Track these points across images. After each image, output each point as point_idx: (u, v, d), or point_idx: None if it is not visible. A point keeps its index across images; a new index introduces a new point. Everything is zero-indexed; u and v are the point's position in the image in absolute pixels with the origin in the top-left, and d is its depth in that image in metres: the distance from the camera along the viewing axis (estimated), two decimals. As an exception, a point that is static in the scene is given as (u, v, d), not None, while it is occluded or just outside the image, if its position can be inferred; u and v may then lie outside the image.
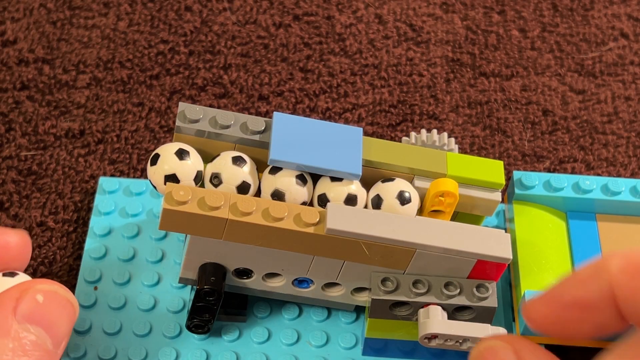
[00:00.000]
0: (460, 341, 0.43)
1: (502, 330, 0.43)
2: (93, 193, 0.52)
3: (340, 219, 0.41)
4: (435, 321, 0.42)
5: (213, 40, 0.60)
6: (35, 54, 0.58)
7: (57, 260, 0.50)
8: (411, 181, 0.44)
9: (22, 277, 0.40)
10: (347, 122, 0.56)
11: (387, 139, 0.53)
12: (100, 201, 0.50)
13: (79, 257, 0.50)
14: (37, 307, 0.37)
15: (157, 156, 0.42)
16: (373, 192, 0.43)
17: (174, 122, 0.55)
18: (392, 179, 0.43)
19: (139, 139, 0.55)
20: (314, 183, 0.43)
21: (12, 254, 0.41)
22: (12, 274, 0.40)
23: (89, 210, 0.51)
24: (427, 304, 0.43)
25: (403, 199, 0.43)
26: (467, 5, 0.63)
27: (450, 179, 0.44)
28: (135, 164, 0.54)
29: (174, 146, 0.42)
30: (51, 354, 0.37)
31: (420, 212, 0.44)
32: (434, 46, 0.60)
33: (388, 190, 0.43)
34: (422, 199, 0.44)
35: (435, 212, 0.44)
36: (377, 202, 0.43)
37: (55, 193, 0.52)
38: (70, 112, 0.56)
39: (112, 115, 0.56)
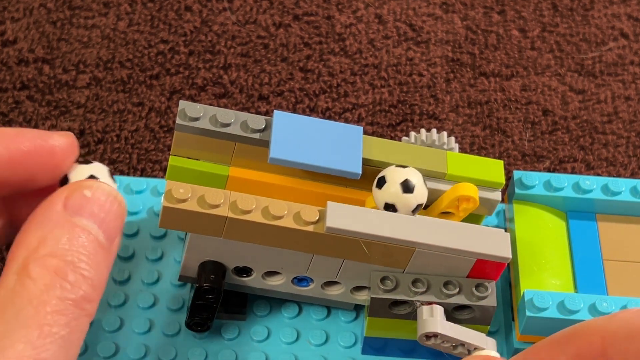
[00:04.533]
0: (454, 344, 0.43)
1: (492, 350, 0.43)
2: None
3: (340, 218, 0.41)
4: (434, 320, 0.42)
5: (213, 40, 0.60)
6: (35, 54, 0.58)
7: (57, 260, 0.50)
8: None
9: (97, 165, 0.40)
10: (347, 122, 0.56)
11: (387, 139, 0.53)
12: (101, 200, 0.50)
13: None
14: (86, 201, 0.37)
15: (383, 180, 0.42)
16: None
17: (174, 122, 0.55)
18: None
19: (139, 139, 0.55)
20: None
21: (58, 159, 0.39)
22: (87, 162, 0.40)
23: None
24: (427, 303, 0.43)
25: None
26: (467, 5, 0.63)
27: (471, 183, 0.44)
28: (135, 164, 0.54)
29: (401, 175, 0.42)
30: (105, 249, 0.36)
31: (428, 211, 0.44)
32: (434, 46, 0.60)
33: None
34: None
35: (445, 214, 0.44)
36: None
37: (55, 192, 0.52)
38: (70, 112, 0.56)
39: (112, 115, 0.56)
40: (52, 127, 0.55)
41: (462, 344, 0.43)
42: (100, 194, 0.37)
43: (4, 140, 0.38)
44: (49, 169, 0.39)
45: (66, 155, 0.39)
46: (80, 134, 0.55)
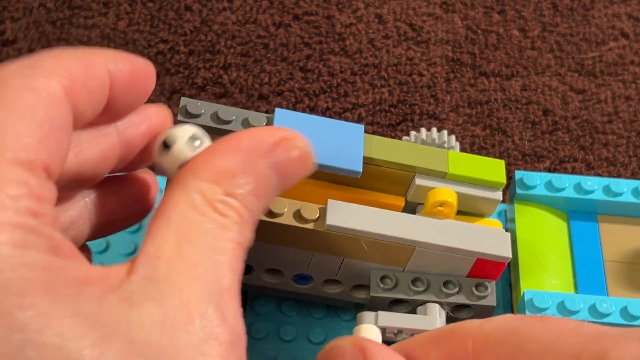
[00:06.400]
0: (395, 332, 0.43)
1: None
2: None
3: (340, 216, 0.41)
4: (434, 319, 0.42)
5: (213, 40, 0.60)
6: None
7: (56, 258, 0.50)
8: (412, 179, 0.44)
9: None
10: (347, 121, 0.56)
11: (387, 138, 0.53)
12: (101, 197, 0.50)
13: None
14: (288, 162, 0.35)
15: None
16: None
17: (173, 122, 0.55)
18: None
19: (139, 139, 0.55)
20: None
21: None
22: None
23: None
24: (426, 302, 0.43)
25: None
26: (467, 5, 0.63)
27: (447, 188, 0.44)
28: (135, 164, 0.54)
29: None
30: (265, 207, 0.34)
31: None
32: (434, 46, 0.60)
33: None
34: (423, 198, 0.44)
35: None
36: None
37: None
38: (70, 111, 0.56)
39: (112, 115, 0.56)
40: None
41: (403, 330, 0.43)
42: (302, 161, 0.36)
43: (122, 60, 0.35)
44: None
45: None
46: (79, 133, 0.55)
